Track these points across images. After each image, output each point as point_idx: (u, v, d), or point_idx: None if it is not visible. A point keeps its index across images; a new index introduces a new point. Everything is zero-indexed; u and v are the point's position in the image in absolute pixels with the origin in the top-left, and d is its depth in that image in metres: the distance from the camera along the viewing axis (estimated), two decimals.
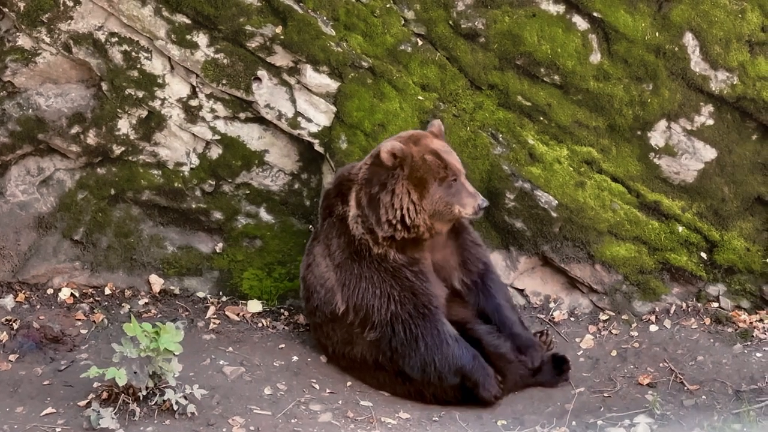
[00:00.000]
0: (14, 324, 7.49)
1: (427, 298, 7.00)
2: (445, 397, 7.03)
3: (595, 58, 7.77)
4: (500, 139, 7.81)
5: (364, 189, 6.99)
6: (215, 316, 7.81)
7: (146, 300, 7.89)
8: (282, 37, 7.62)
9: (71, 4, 7.60)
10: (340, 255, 7.12)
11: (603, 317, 7.88)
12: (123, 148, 7.83)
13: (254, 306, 7.91)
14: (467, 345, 6.99)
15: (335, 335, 7.21)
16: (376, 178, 6.94)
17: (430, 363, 6.94)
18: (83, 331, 7.55)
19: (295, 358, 7.39)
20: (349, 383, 7.19)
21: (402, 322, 6.96)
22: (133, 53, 7.69)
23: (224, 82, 7.70)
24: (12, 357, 7.22)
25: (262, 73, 7.71)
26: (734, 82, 7.77)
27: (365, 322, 7.03)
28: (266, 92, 7.74)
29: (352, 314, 7.06)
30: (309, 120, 7.77)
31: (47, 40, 7.64)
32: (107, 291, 7.92)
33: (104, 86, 7.72)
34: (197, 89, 7.78)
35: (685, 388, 7.07)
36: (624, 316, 7.85)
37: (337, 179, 7.30)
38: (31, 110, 7.73)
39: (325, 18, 7.67)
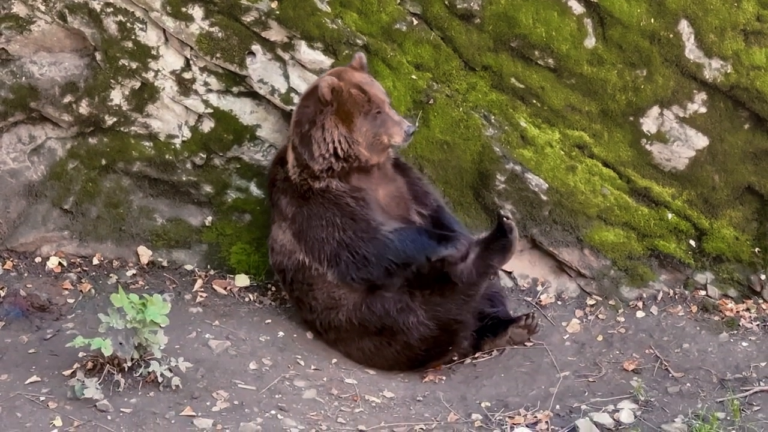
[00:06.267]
0: (1, 291, 7.49)
1: (366, 224, 7.06)
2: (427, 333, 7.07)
3: (590, 42, 7.76)
4: (492, 120, 7.80)
5: (294, 131, 7.14)
6: (202, 289, 7.80)
7: (134, 271, 7.89)
8: (277, 12, 7.59)
9: None
10: (290, 209, 7.21)
11: (590, 302, 7.90)
12: (115, 119, 7.81)
13: (242, 280, 7.91)
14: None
15: (318, 304, 7.22)
16: (304, 118, 7.11)
17: (401, 255, 7.00)
18: (70, 301, 7.55)
19: (281, 333, 7.39)
20: (334, 360, 7.21)
21: (347, 247, 7.03)
22: (128, 24, 7.66)
23: (218, 55, 7.67)
24: None
25: (256, 47, 7.69)
26: (728, 71, 7.76)
27: (321, 260, 7.09)
28: (260, 67, 7.72)
29: (309, 257, 7.13)
30: None
31: (42, 8, 7.61)
32: (95, 261, 7.91)
33: (98, 56, 7.70)
34: (191, 62, 7.76)
35: (670, 375, 7.08)
36: (611, 302, 7.87)
37: (276, 154, 7.53)
38: (24, 78, 7.71)
39: None
